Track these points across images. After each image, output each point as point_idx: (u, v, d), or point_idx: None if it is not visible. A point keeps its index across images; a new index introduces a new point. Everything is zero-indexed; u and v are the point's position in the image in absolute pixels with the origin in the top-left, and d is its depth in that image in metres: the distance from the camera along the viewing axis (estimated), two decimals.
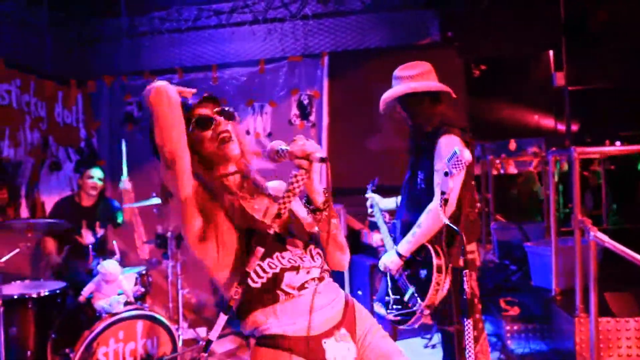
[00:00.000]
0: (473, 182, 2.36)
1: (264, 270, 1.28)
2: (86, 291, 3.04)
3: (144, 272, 3.46)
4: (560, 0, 5.01)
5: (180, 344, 3.27)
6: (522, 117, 8.45)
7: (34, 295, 3.10)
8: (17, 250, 2.96)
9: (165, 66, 5.02)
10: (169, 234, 3.61)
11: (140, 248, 4.90)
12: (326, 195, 1.31)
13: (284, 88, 4.81)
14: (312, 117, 4.78)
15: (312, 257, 1.35)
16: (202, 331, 4.13)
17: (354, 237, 4.41)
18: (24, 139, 4.17)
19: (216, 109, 1.40)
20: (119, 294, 2.99)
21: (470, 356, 1.90)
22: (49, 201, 4.40)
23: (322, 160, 1.22)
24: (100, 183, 3.72)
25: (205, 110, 1.38)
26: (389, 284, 2.39)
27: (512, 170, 9.66)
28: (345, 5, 4.86)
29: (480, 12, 4.81)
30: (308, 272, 1.32)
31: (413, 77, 2.30)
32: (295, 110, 4.80)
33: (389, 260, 2.33)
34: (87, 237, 3.64)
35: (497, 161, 8.62)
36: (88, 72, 5.05)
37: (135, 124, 5.03)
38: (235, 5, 4.90)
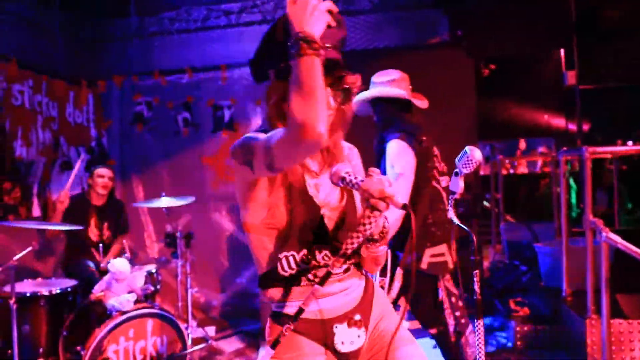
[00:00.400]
0: (443, 184, 2.40)
1: (296, 263, 1.28)
2: (96, 289, 3.07)
3: (153, 270, 3.48)
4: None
5: (189, 342, 3.29)
6: (532, 117, 8.39)
7: (46, 293, 3.13)
8: (30, 248, 2.99)
9: (174, 66, 5.05)
10: (178, 234, 3.62)
11: (150, 247, 4.94)
12: (409, 244, 1.23)
13: None
14: None
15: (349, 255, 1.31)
16: (210, 330, 4.15)
17: None
18: (36, 138, 4.21)
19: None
20: (129, 293, 3.01)
21: (480, 356, 1.89)
22: None
23: (403, 207, 1.11)
24: (110, 182, 3.75)
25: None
26: None
27: (523, 170, 9.61)
28: (354, 5, 4.85)
29: (489, 10, 4.77)
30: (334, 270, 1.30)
31: (386, 83, 2.39)
32: None
33: None
34: (94, 236, 3.68)
35: (507, 161, 8.57)
36: (99, 72, 5.09)
37: (144, 124, 5.07)
38: (245, 5, 4.92)
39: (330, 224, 1.32)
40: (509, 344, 3.62)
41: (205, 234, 4.81)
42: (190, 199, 3.77)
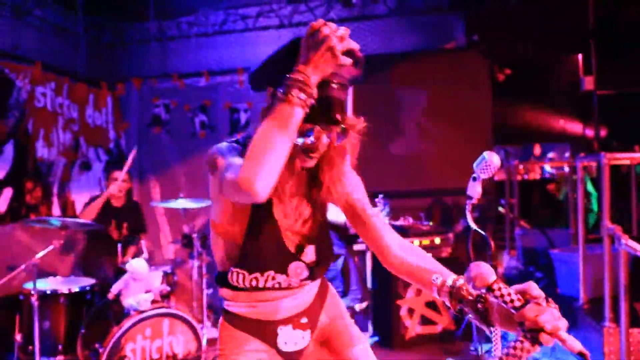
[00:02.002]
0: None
1: (243, 281, 1.28)
2: (115, 289, 3.12)
3: (169, 271, 3.53)
4: (589, 4, 4.93)
5: (204, 342, 3.33)
6: (547, 122, 8.31)
7: (65, 291, 3.20)
8: (52, 247, 3.06)
9: (192, 69, 5.12)
10: (194, 235, 3.67)
11: (166, 247, 5.00)
12: None
13: None
14: None
15: (300, 285, 1.32)
16: None
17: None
18: (57, 139, 4.30)
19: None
20: (146, 292, 3.05)
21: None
22: (79, 200, 4.53)
23: (581, 355, 0.91)
24: (125, 184, 3.81)
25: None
26: None
27: (535, 175, 9.51)
28: (369, 10, 4.88)
29: (506, 15, 4.76)
30: (284, 287, 1.32)
31: None
32: None
33: None
34: (116, 234, 3.74)
35: (521, 166, 8.50)
36: (118, 74, 5.19)
37: (162, 126, 5.14)
38: (262, 9, 4.97)
39: (291, 248, 1.28)
40: None
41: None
42: (207, 202, 3.82)
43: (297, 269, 1.28)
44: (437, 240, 3.85)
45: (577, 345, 0.92)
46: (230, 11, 5.01)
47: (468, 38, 4.88)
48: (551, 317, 0.94)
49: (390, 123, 4.72)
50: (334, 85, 1.14)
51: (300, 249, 1.30)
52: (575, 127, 8.09)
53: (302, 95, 1.02)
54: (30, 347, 3.06)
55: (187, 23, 5.06)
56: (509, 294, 0.97)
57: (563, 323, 0.93)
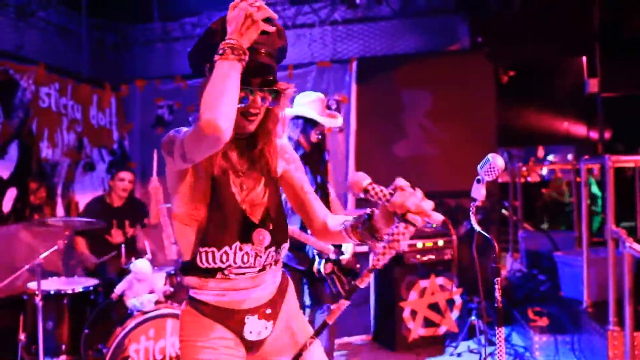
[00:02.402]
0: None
1: (213, 260, 1.33)
2: (118, 289, 3.12)
3: (172, 272, 3.53)
4: (594, 7, 4.92)
5: None
6: (551, 124, 8.30)
7: (69, 292, 3.20)
8: (55, 247, 3.06)
9: None
10: None
11: (169, 248, 4.99)
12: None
13: None
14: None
15: (267, 256, 1.39)
16: None
17: None
18: (61, 140, 4.32)
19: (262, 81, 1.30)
20: (149, 293, 3.06)
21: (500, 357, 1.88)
22: (83, 200, 4.54)
23: (444, 224, 1.16)
24: (130, 185, 3.82)
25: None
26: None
27: (535, 178, 9.49)
28: (374, 11, 4.88)
29: (511, 17, 4.75)
30: (253, 267, 1.39)
31: (305, 105, 2.79)
32: None
33: None
34: (117, 237, 3.75)
35: (524, 168, 8.49)
36: (122, 76, 5.20)
37: (165, 127, 5.15)
38: None
39: (252, 217, 1.36)
40: (527, 354, 3.58)
41: None
42: None
43: (260, 235, 1.37)
44: (440, 242, 3.84)
45: (439, 216, 1.10)
46: None
47: (472, 40, 4.87)
48: (415, 199, 1.09)
49: (393, 124, 4.72)
50: (262, 52, 1.26)
51: (260, 217, 1.38)
52: (579, 129, 8.07)
53: (237, 52, 1.16)
54: (34, 347, 3.06)
55: (190, 24, 5.08)
56: (382, 191, 1.12)
57: (427, 203, 1.09)
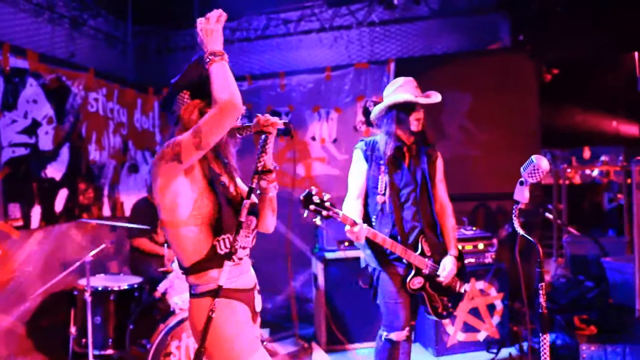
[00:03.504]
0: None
1: (231, 244, 1.58)
2: (161, 287, 3.22)
3: None
4: None
5: None
6: (598, 124, 7.95)
7: (115, 288, 3.34)
8: (103, 245, 3.20)
9: (235, 74, 5.12)
10: None
11: None
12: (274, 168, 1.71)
13: (349, 94, 4.85)
14: None
15: (253, 237, 1.76)
16: (264, 332, 4.24)
17: None
18: (107, 143, 4.51)
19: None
20: None
21: None
22: (127, 201, 4.72)
23: (285, 124, 1.60)
24: None
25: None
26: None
27: (577, 180, 9.09)
28: (411, 11, 4.82)
29: (554, 13, 4.58)
30: (245, 249, 1.72)
31: (392, 92, 2.62)
32: (360, 117, 4.82)
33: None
34: (162, 236, 3.86)
35: (568, 170, 8.17)
36: (164, 80, 5.34)
37: None
38: (303, 13, 5.02)
39: (244, 210, 1.57)
40: None
41: (263, 237, 4.93)
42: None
43: (248, 220, 1.69)
44: (481, 246, 3.76)
45: (280, 121, 1.60)
46: (272, 16, 5.08)
47: (513, 38, 4.73)
48: (263, 117, 1.61)
49: (433, 126, 4.62)
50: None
51: (242, 205, 1.60)
52: (630, 128, 7.68)
53: (219, 54, 1.54)
54: (84, 340, 3.21)
55: (230, 29, 5.18)
56: (250, 124, 1.63)
57: (273, 118, 1.61)
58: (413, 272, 2.41)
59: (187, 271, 1.62)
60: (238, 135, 1.62)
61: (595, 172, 8.64)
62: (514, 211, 2.02)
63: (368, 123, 4.94)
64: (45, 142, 3.80)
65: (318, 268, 4.01)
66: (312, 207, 2.11)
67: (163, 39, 5.38)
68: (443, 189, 2.64)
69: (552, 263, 5.64)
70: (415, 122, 2.46)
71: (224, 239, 1.59)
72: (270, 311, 4.90)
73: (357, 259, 3.89)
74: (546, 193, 5.83)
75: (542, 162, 1.98)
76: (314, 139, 4.97)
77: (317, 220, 2.12)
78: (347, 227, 2.24)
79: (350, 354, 3.82)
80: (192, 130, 1.50)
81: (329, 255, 3.92)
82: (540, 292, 1.92)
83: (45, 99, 3.78)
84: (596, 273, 4.35)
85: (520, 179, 2.01)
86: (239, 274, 1.67)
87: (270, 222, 1.81)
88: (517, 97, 4.43)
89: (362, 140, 2.69)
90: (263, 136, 1.59)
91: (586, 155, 9.81)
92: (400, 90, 2.51)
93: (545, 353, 1.90)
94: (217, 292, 1.50)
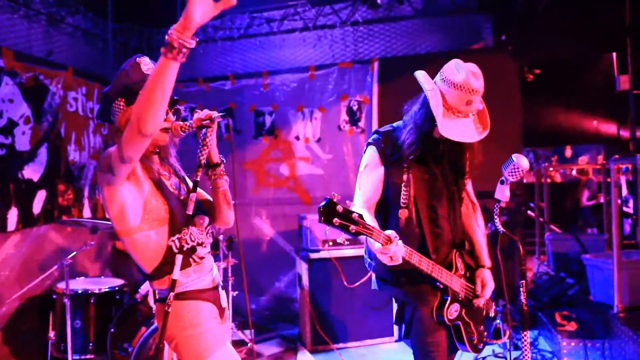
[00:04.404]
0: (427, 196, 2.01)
1: (186, 242, 1.64)
2: (143, 289, 3.17)
3: None
4: (625, 1, 4.75)
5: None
6: (579, 123, 8.08)
7: (96, 291, 3.28)
8: (84, 247, 3.14)
9: (217, 73, 5.18)
10: (220, 237, 3.70)
11: None
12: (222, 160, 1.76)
13: (333, 94, 4.85)
14: (362, 123, 4.78)
15: (207, 234, 1.76)
16: (249, 333, 4.20)
17: None
18: (87, 143, 4.42)
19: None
20: None
21: None
22: None
23: (222, 116, 1.59)
24: None
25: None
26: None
27: (558, 178, 9.24)
28: (395, 11, 4.83)
29: (536, 14, 4.64)
30: (205, 247, 1.74)
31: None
32: (344, 116, 4.82)
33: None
34: None
35: (550, 169, 8.29)
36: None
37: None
38: (286, 12, 4.99)
39: (190, 209, 1.58)
40: (555, 359, 3.48)
41: (246, 238, 4.90)
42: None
43: (200, 219, 1.72)
44: None
45: (217, 113, 1.59)
46: (255, 14, 5.05)
47: (496, 38, 4.78)
48: (202, 112, 1.60)
49: None
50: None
51: (192, 207, 1.62)
52: (609, 128, 7.82)
53: (175, 52, 1.41)
54: (63, 345, 3.14)
55: (212, 27, 5.13)
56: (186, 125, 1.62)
57: (204, 113, 1.60)
58: (449, 298, 1.93)
59: (150, 277, 1.65)
60: (182, 134, 1.61)
61: (574, 172, 8.79)
62: (495, 210, 2.03)
63: (352, 122, 4.95)
64: (22, 142, 3.71)
65: (302, 268, 3.99)
66: (336, 220, 1.58)
67: (144, 37, 5.29)
68: (470, 184, 2.15)
69: (535, 261, 5.71)
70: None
71: (178, 238, 1.62)
72: (254, 312, 4.86)
73: (342, 258, 3.89)
74: (528, 191, 5.90)
75: (522, 161, 2.00)
76: (297, 138, 4.95)
77: (341, 239, 1.71)
78: (377, 246, 1.70)
79: (335, 354, 3.81)
80: (117, 143, 1.50)
81: (313, 255, 3.91)
82: (521, 289, 1.93)
83: (22, 98, 3.69)
84: (577, 270, 4.41)
85: (501, 178, 2.03)
86: (202, 273, 1.70)
87: (227, 215, 1.81)
88: (499, 97, 4.45)
89: (376, 133, 2.09)
90: (204, 130, 1.60)
91: (568, 154, 9.97)
92: (452, 91, 1.88)
93: (526, 349, 1.92)
94: (172, 286, 1.51)
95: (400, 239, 1.73)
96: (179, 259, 1.52)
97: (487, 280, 2.05)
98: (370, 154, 2.03)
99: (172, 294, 1.49)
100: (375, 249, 1.72)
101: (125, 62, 1.64)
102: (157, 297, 1.72)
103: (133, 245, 1.60)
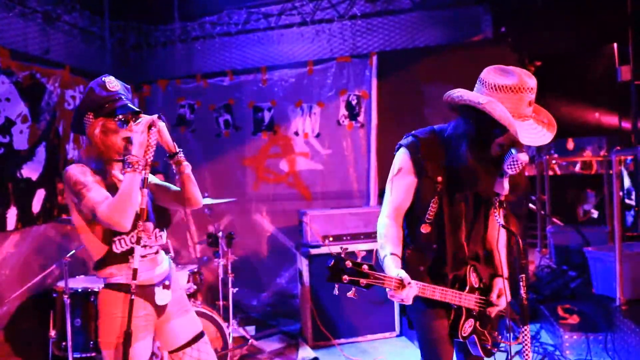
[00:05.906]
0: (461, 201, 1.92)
1: (125, 243, 1.84)
2: None
3: (195, 270, 3.56)
4: None
5: (230, 341, 3.34)
6: (581, 115, 8.00)
7: (96, 289, 3.27)
8: (83, 245, 3.12)
9: (216, 69, 5.16)
10: (220, 233, 3.69)
11: (192, 247, 5.06)
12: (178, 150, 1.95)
13: (332, 89, 4.82)
14: (361, 118, 4.75)
15: (155, 237, 1.96)
16: (250, 329, 4.20)
17: None
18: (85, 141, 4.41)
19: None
20: None
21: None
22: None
23: (159, 117, 1.84)
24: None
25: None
26: None
27: (557, 171, 9.18)
28: (393, 4, 4.79)
29: (536, 5, 4.59)
30: (151, 247, 1.94)
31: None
32: (343, 111, 4.80)
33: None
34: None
35: (553, 161, 8.22)
36: (144, 76, 5.27)
37: (187, 126, 5.20)
38: (284, 7, 4.96)
39: (143, 199, 1.78)
40: (557, 353, 3.47)
41: (246, 234, 4.89)
42: (231, 199, 3.83)
43: (145, 226, 1.86)
44: None
45: (153, 116, 1.84)
46: (252, 10, 5.02)
47: (495, 30, 4.73)
48: (138, 119, 1.83)
49: (416, 119, 4.63)
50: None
51: (141, 212, 1.80)
52: (611, 119, 7.75)
53: (136, 166, 1.77)
54: (64, 343, 3.14)
55: (210, 23, 5.10)
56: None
57: (147, 119, 1.83)
58: (464, 317, 1.87)
59: (94, 267, 1.89)
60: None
61: (577, 167, 8.73)
62: (494, 203, 2.00)
63: (351, 117, 4.93)
64: (21, 141, 3.70)
65: (303, 264, 3.99)
66: (345, 278, 1.56)
67: (142, 34, 5.27)
68: (499, 213, 1.95)
69: (537, 253, 5.68)
70: (498, 147, 1.78)
71: (119, 240, 1.83)
72: (255, 308, 4.86)
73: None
74: (530, 184, 5.87)
75: (520, 154, 1.97)
76: (297, 133, 4.93)
77: (352, 293, 1.58)
78: (389, 291, 1.67)
79: (336, 349, 3.81)
80: (92, 205, 1.72)
81: (314, 251, 3.90)
82: (521, 283, 1.91)
83: (19, 97, 3.68)
84: (579, 262, 4.39)
85: (500, 172, 2.00)
86: (142, 271, 1.85)
87: (196, 193, 1.99)
88: None
89: (410, 136, 1.96)
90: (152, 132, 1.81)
91: (570, 146, 9.90)
92: (510, 96, 1.73)
93: (526, 343, 1.91)
94: (111, 286, 1.83)
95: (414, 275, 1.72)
96: (137, 250, 1.77)
97: (503, 290, 2.00)
98: (404, 159, 1.90)
99: (117, 294, 1.81)
100: (388, 292, 1.69)
101: (93, 81, 1.90)
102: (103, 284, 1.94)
103: (84, 239, 1.86)
